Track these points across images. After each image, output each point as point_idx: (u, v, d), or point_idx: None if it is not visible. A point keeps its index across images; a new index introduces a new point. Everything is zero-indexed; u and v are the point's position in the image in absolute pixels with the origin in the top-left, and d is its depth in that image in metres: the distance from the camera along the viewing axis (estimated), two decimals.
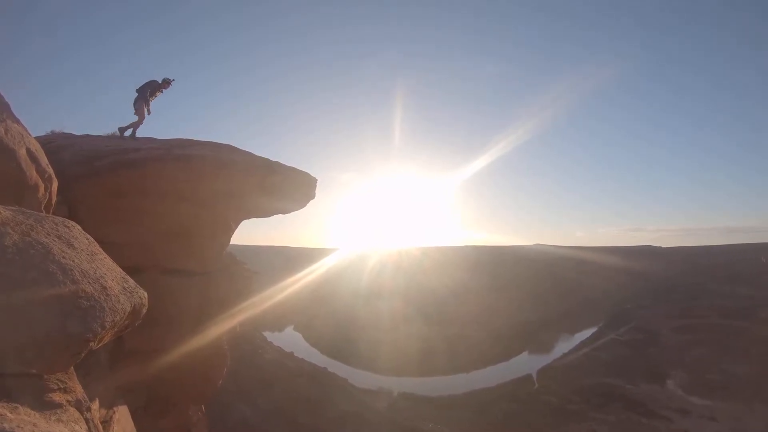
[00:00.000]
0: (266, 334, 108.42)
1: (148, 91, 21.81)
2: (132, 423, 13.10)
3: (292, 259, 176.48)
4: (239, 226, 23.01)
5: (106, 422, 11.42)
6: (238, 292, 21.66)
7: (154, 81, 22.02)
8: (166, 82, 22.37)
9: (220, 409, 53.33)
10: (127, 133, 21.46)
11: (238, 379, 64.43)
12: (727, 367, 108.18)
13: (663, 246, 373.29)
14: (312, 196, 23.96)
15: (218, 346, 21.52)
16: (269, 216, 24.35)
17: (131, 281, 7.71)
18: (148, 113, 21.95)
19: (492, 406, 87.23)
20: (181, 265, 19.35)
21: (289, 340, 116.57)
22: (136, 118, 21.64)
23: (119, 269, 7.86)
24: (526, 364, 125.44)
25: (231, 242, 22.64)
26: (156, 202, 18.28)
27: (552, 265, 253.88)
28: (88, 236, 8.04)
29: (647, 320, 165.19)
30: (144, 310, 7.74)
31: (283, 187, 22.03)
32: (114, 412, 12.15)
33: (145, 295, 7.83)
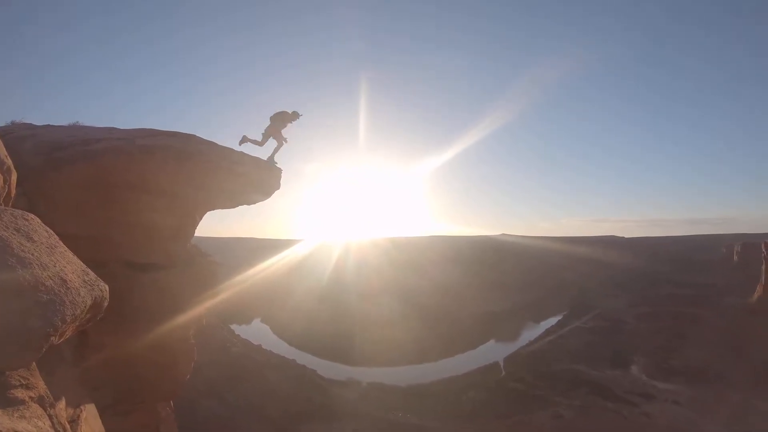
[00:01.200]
0: (233, 327, 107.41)
1: (280, 120, 23.36)
2: (100, 422, 12.79)
3: (258, 250, 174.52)
4: (204, 218, 22.75)
5: (74, 421, 11.09)
6: (203, 285, 21.29)
7: (285, 112, 23.44)
8: (296, 115, 23.62)
9: (189, 404, 52.59)
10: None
11: (206, 374, 63.61)
12: (689, 353, 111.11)
13: (626, 236, 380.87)
14: (277, 187, 23.76)
15: (185, 340, 21.16)
16: (234, 207, 24.06)
17: (92, 274, 7.59)
18: (285, 141, 23.79)
19: (460, 394, 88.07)
20: (145, 259, 18.99)
21: (257, 333, 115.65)
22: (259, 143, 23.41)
23: (80, 262, 7.69)
24: (492, 352, 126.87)
25: (196, 234, 22.35)
26: (119, 194, 17.84)
27: (517, 255, 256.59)
28: (48, 229, 7.81)
29: (611, 308, 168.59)
30: (105, 303, 7.61)
31: (248, 177, 21.80)
32: (81, 411, 11.83)
33: (106, 288, 7.69)
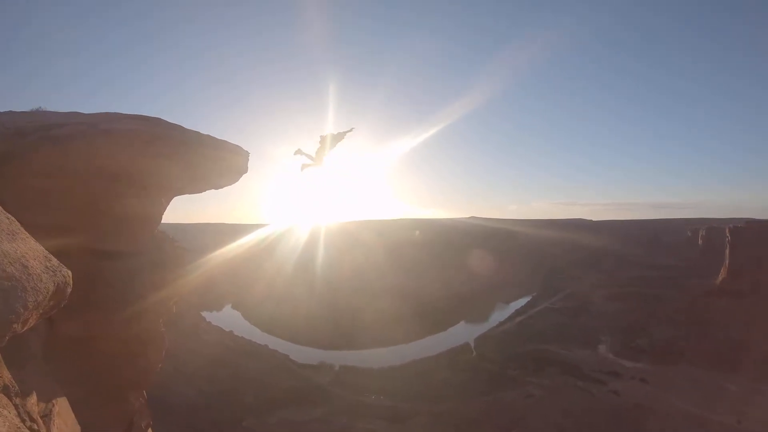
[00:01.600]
0: (204, 314, 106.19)
1: (329, 140, 22.62)
2: (73, 415, 12.37)
3: (227, 235, 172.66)
4: (171, 203, 22.15)
5: (46, 416, 10.68)
6: (172, 272, 20.63)
7: (340, 133, 22.81)
8: (341, 135, 22.92)
9: (163, 393, 52.03)
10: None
11: (179, 362, 63.06)
12: (655, 333, 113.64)
13: (595, 219, 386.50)
14: (244, 170, 23.13)
15: (155, 328, 20.57)
16: (201, 192, 23.25)
17: (54, 260, 7.33)
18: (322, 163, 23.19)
19: (432, 375, 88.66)
20: (112, 246, 18.30)
21: (228, 319, 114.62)
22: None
23: (42, 248, 7.42)
24: (463, 333, 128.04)
25: (163, 221, 21.77)
26: (83, 180, 17.07)
27: (486, 237, 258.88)
28: (9, 216, 7.47)
29: (579, 289, 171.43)
30: (69, 290, 7.32)
31: (215, 161, 21.15)
32: (54, 405, 11.38)
33: (69, 273, 7.40)
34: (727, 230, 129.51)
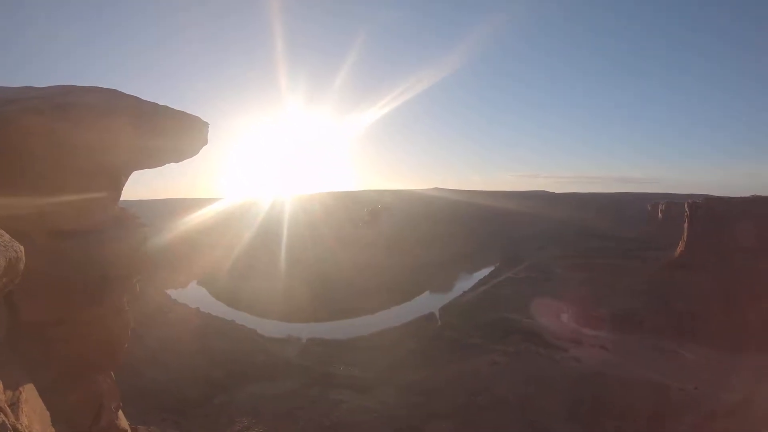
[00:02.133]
0: (169, 292, 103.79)
1: None
2: (41, 402, 12.12)
3: (190, 210, 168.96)
4: (132, 180, 21.28)
5: (14, 404, 10.27)
6: (134, 249, 19.85)
7: None
8: None
9: (131, 374, 50.78)
10: None
11: (146, 342, 61.97)
12: (615, 302, 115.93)
13: (557, 191, 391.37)
14: (204, 142, 22.14)
15: (119, 308, 19.96)
16: (161, 165, 22.28)
17: (6, 236, 7.30)
18: None
19: (398, 345, 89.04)
20: (70, 225, 17.40)
21: (194, 296, 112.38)
22: None
23: None
24: (428, 303, 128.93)
25: (124, 197, 20.77)
26: (37, 158, 16.08)
27: (450, 208, 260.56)
28: None
29: (541, 260, 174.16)
30: (21, 265, 7.21)
31: (174, 133, 20.14)
32: (21, 393, 11.00)
33: (21, 248, 7.35)
34: (686, 205, 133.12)
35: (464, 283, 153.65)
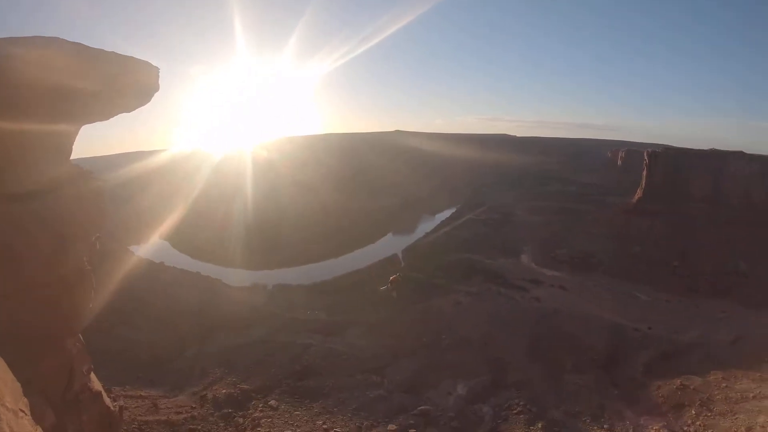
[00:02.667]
0: (132, 248, 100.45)
1: None
2: (11, 374, 11.23)
3: (146, 163, 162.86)
4: (84, 136, 19.75)
5: None
6: (90, 206, 18.47)
7: None
8: None
9: (100, 335, 49.51)
10: None
11: (112, 301, 59.94)
12: (574, 244, 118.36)
13: (519, 135, 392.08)
14: (155, 88, 20.62)
15: (80, 269, 18.80)
16: (112, 116, 20.67)
17: None
18: None
19: (363, 287, 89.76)
20: (20, 186, 16.19)
21: (158, 250, 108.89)
22: None
23: None
24: (391, 245, 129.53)
25: (77, 155, 19.24)
26: None
27: (411, 151, 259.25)
28: None
29: (502, 202, 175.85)
30: None
31: (122, 79, 18.48)
32: None
33: None
34: (645, 154, 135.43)
35: (426, 225, 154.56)
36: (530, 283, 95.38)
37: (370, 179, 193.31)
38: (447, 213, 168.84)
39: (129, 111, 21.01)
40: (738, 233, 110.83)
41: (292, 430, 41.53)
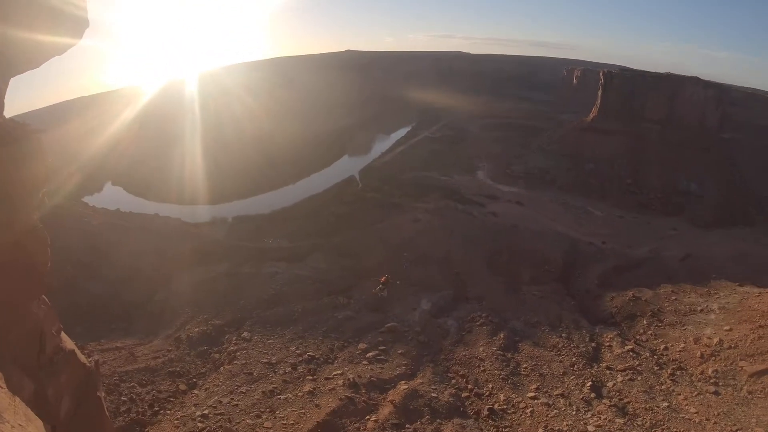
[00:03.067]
0: (85, 199, 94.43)
1: None
2: None
3: (89, 109, 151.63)
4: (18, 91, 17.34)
5: None
6: (32, 163, 16.44)
7: None
8: None
9: (66, 293, 47.74)
10: None
11: (73, 256, 57.37)
12: (529, 160, 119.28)
13: (473, 53, 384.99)
14: (85, 23, 17.75)
15: (31, 228, 17.03)
16: (43, 62, 17.93)
17: None
18: None
19: (323, 211, 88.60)
20: None
21: (112, 197, 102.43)
22: None
23: None
24: (347, 166, 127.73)
25: (15, 111, 16.96)
26: None
27: (362, 70, 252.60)
28: None
29: (456, 119, 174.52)
30: None
31: (45, 14, 15.82)
32: None
33: None
34: (601, 74, 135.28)
35: (382, 145, 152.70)
36: (487, 198, 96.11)
37: (323, 101, 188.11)
38: (402, 132, 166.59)
39: (60, 53, 18.42)
40: (690, 156, 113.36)
41: (267, 358, 41.76)
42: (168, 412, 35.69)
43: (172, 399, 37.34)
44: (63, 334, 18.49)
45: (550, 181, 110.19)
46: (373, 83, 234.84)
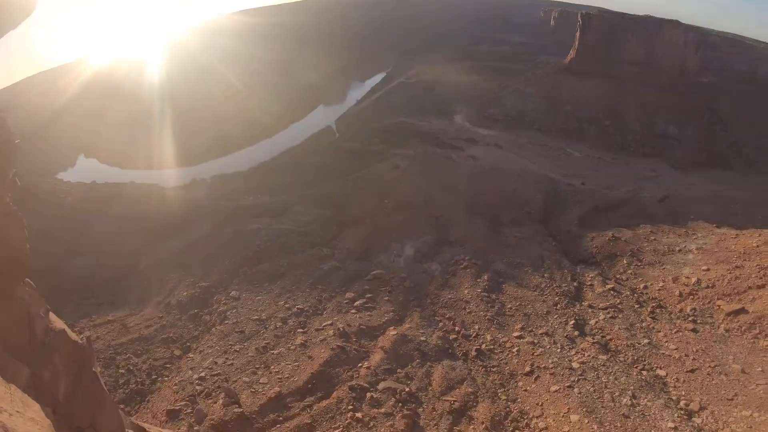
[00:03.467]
0: (59, 175, 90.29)
1: None
2: None
3: (53, 82, 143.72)
4: None
5: None
6: None
7: None
8: None
9: (50, 273, 46.06)
10: None
11: (52, 235, 55.71)
12: (507, 103, 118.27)
13: None
14: None
15: (7, 212, 16.04)
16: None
17: None
18: None
19: (301, 163, 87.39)
20: None
21: (86, 170, 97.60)
22: None
23: None
24: (323, 116, 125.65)
25: None
26: None
27: (332, 17, 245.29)
28: None
29: (432, 63, 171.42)
30: None
31: None
32: None
33: None
34: (579, 15, 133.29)
35: (357, 92, 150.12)
36: (466, 142, 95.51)
37: (295, 50, 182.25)
38: (377, 78, 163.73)
39: (14, 26, 17.21)
40: (669, 99, 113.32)
41: (257, 315, 41.85)
42: (166, 378, 35.85)
43: (168, 365, 37.41)
44: (51, 315, 18.04)
45: (528, 124, 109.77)
46: (348, 29, 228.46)
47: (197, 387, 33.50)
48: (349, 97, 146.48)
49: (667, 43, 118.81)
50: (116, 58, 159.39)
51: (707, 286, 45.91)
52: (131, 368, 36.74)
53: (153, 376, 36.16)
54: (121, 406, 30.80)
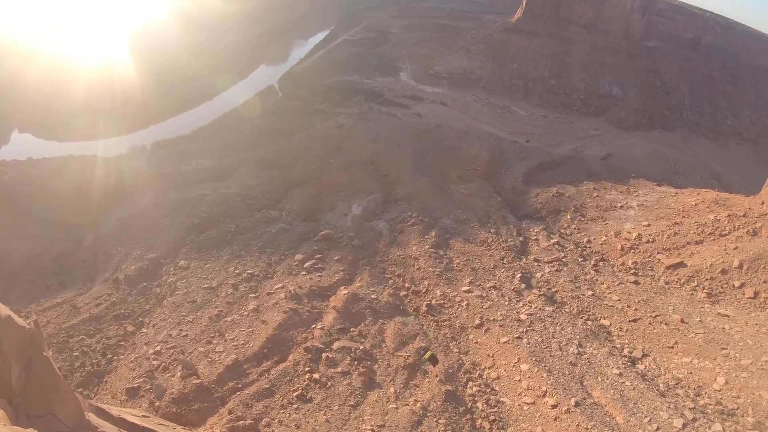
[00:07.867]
0: None
1: None
2: None
3: None
4: None
5: None
6: None
7: None
8: None
9: None
10: None
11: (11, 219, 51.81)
12: (452, 61, 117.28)
13: None
14: None
15: None
16: None
17: None
18: None
19: (244, 125, 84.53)
20: None
21: (21, 146, 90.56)
22: None
23: None
24: (265, 76, 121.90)
25: None
26: None
27: None
28: None
29: (376, 20, 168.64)
30: None
31: None
32: None
33: None
34: None
35: (300, 51, 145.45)
36: (411, 100, 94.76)
37: (234, 10, 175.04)
38: (320, 36, 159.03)
39: None
40: (614, 60, 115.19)
41: (207, 283, 40.85)
42: (122, 356, 34.72)
43: (122, 343, 36.23)
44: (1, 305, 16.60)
45: (474, 82, 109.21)
46: None
47: (154, 362, 32.55)
48: (292, 56, 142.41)
49: (615, 7, 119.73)
50: (44, 29, 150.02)
51: (648, 241, 47.48)
52: (85, 350, 35.54)
53: (108, 356, 35.04)
54: (80, 389, 30.19)
